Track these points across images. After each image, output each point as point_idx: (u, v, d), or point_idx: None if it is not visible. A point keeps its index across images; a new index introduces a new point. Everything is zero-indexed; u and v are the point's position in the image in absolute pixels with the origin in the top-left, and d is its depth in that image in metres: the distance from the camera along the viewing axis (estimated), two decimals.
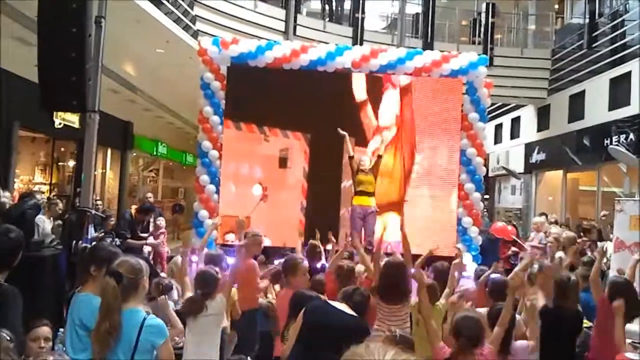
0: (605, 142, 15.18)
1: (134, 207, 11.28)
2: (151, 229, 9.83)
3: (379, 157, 9.40)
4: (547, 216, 12.89)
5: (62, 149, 15.51)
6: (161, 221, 9.98)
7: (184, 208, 20.30)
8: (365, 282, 5.70)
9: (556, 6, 21.48)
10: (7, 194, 9.28)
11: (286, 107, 10.09)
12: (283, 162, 10.19)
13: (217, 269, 5.02)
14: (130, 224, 9.20)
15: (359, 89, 10.31)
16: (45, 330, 3.87)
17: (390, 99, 10.12)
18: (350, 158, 9.42)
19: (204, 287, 4.69)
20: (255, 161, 10.15)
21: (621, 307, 4.65)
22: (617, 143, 14.50)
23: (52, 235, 8.11)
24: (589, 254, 8.71)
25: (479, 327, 3.79)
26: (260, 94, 9.96)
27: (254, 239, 6.34)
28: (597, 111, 16.06)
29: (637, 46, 14.68)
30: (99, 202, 12.24)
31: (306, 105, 10.02)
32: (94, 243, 5.30)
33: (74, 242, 5.88)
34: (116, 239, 8.28)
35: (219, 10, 14.61)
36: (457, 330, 3.77)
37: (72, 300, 3.81)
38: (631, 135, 14.11)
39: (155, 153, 20.97)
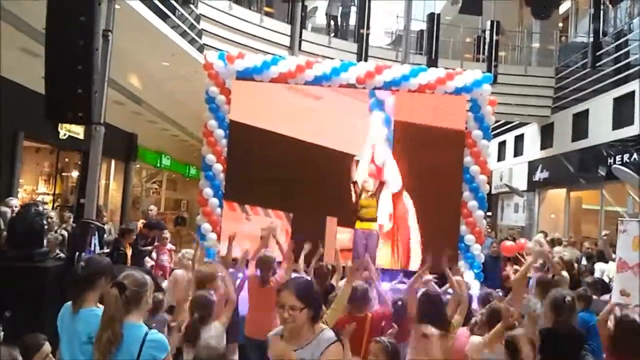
0: (609, 161, 15.20)
1: (141, 221, 11.27)
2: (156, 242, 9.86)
3: (382, 183, 9.41)
4: (546, 234, 12.89)
5: (66, 160, 15.58)
6: (166, 234, 10.01)
7: (187, 220, 20.33)
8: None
9: (560, 24, 21.55)
10: (14, 201, 9.32)
11: (268, 184, 9.85)
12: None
13: (212, 291, 4.96)
14: (138, 240, 9.25)
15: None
16: (47, 347, 3.84)
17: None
18: (354, 183, 9.43)
19: (199, 311, 4.64)
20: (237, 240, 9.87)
21: None
22: (620, 162, 14.51)
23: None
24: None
25: None
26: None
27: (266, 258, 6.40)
28: (601, 130, 16.09)
29: None
30: (104, 214, 12.27)
31: (289, 182, 9.79)
32: (89, 255, 5.28)
33: (77, 253, 5.91)
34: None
35: (225, 25, 14.71)
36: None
37: (68, 315, 3.78)
38: (635, 155, 14.12)
39: (158, 165, 21.04)
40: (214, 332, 4.59)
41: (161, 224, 10.47)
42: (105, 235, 10.01)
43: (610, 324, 4.89)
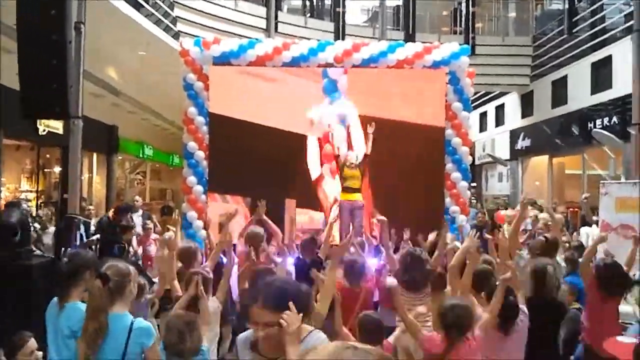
0: (589, 125, 15.35)
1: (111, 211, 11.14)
2: (139, 230, 9.80)
3: (366, 155, 9.39)
4: (535, 202, 12.99)
5: (48, 156, 15.46)
6: (150, 224, 9.94)
7: (173, 210, 20.24)
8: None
9: None
10: None
11: (227, 169, 9.82)
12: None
13: (207, 267, 4.97)
14: (110, 228, 9.13)
15: (314, 164, 9.98)
16: (32, 344, 3.84)
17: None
18: (336, 157, 9.45)
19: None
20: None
21: None
22: (600, 126, 14.65)
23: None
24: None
25: (470, 316, 3.83)
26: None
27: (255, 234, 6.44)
28: (580, 96, 16.21)
29: (617, 30, 14.81)
30: (91, 208, 12.17)
31: (247, 166, 9.73)
32: (73, 251, 5.27)
33: (63, 249, 5.90)
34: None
35: (200, 11, 14.60)
36: (445, 319, 3.81)
37: (54, 311, 3.80)
38: (614, 118, 14.25)
39: (141, 155, 20.91)
40: (212, 309, 4.56)
41: (129, 207, 10.37)
42: (92, 229, 9.95)
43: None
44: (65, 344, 3.65)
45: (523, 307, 4.32)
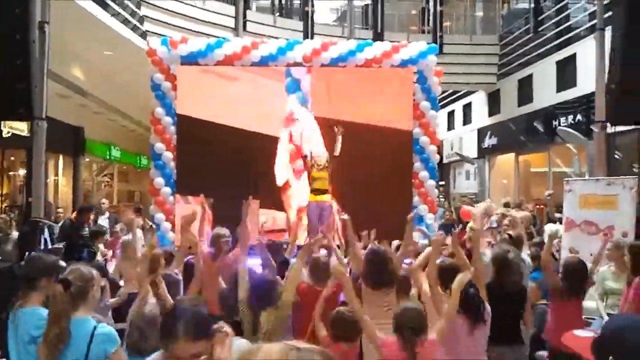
0: (554, 123, 15.58)
1: (72, 213, 10.96)
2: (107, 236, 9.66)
3: (335, 157, 9.39)
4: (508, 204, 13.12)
5: (12, 158, 15.22)
6: (117, 227, 9.77)
7: (142, 211, 20.06)
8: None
9: None
10: None
11: (194, 170, 9.75)
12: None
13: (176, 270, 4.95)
14: (73, 230, 8.99)
15: (281, 173, 9.99)
16: None
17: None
18: (304, 157, 9.45)
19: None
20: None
21: None
22: (565, 124, 14.89)
23: None
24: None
25: (422, 318, 3.84)
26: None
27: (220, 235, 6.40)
28: (545, 94, 16.45)
29: (582, 28, 15.07)
30: (60, 211, 11.95)
31: (212, 167, 9.70)
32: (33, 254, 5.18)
33: (27, 253, 5.80)
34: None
35: (167, 10, 14.48)
36: (399, 322, 3.81)
37: (13, 316, 3.74)
38: (579, 116, 14.48)
39: (108, 157, 20.67)
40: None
41: (91, 207, 10.23)
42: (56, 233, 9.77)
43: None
44: (26, 350, 3.58)
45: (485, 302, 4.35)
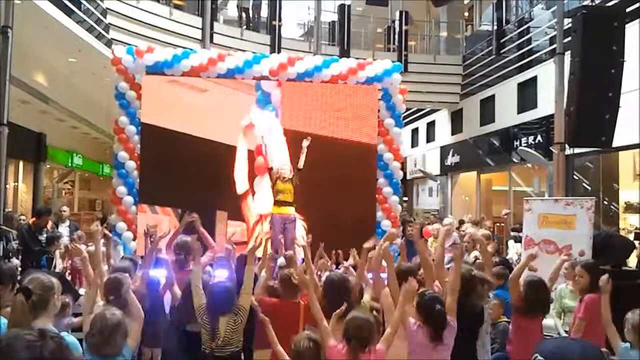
0: (515, 143, 15.88)
1: (30, 218, 10.74)
2: (66, 242, 9.52)
3: (299, 169, 9.41)
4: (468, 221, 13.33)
5: None
6: (78, 233, 9.64)
7: (103, 220, 19.79)
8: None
9: (466, 14, 22.27)
10: None
11: (158, 179, 9.68)
12: (150, 240, 9.44)
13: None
14: (31, 235, 8.83)
15: (241, 181, 9.93)
16: None
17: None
18: (269, 169, 9.46)
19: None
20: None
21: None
22: (526, 144, 15.19)
23: None
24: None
25: (369, 328, 3.88)
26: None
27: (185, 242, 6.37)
28: (507, 114, 16.76)
29: (543, 52, 15.43)
30: (23, 218, 11.72)
31: (178, 177, 9.66)
32: None
33: None
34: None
35: (134, 19, 14.40)
36: (347, 331, 3.82)
37: None
38: (539, 137, 14.79)
39: (70, 164, 20.38)
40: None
41: (49, 209, 10.07)
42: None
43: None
44: None
45: (451, 318, 4.39)
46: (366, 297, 5.23)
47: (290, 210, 9.33)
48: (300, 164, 9.34)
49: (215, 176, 9.77)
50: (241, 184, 9.94)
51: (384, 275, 4.97)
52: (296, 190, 9.36)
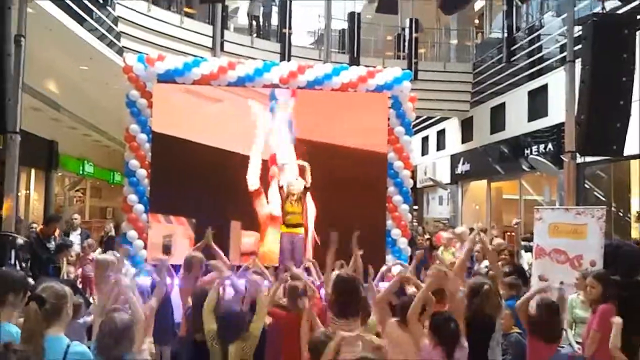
0: (526, 152, 15.81)
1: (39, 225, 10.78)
2: (77, 248, 9.55)
3: (306, 188, 9.46)
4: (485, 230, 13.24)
5: None
6: (89, 241, 9.68)
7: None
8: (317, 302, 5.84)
9: (476, 21, 22.26)
10: None
11: (170, 189, 9.73)
12: (167, 250, 9.41)
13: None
14: (39, 243, 8.85)
15: (253, 177, 9.91)
16: None
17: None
18: (280, 187, 9.50)
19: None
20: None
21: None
22: (537, 153, 15.12)
23: None
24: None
25: None
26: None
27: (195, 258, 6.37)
28: (517, 122, 16.71)
29: (553, 59, 15.38)
30: (34, 226, 11.80)
31: (192, 188, 9.66)
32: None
33: None
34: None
35: (145, 27, 14.48)
36: None
37: None
38: (549, 145, 14.73)
39: (81, 172, 20.49)
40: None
41: (58, 216, 10.09)
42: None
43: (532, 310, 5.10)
44: None
45: (463, 339, 4.35)
46: (373, 318, 5.18)
47: (300, 231, 9.38)
48: (307, 183, 9.40)
49: (228, 186, 9.76)
50: (253, 181, 9.91)
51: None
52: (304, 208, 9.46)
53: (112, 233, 11.99)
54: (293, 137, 10.04)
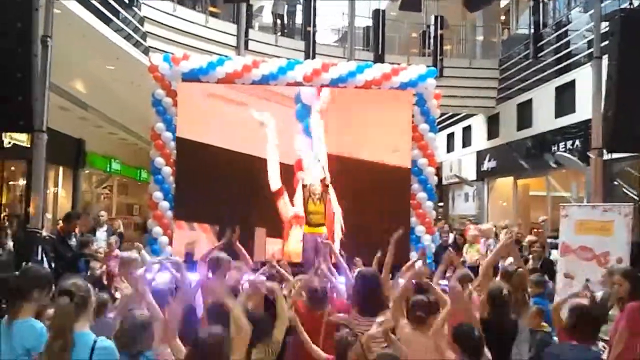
0: (553, 148, 15.64)
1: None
2: (102, 245, 9.63)
3: (326, 186, 9.49)
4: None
5: (12, 169, 15.26)
6: (112, 239, 9.70)
7: (139, 225, 20.05)
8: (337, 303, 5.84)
9: (502, 17, 22.04)
10: None
11: (195, 195, 9.72)
12: (189, 258, 9.50)
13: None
14: (60, 241, 8.92)
15: (274, 177, 9.88)
16: None
17: None
18: (304, 187, 9.53)
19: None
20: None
21: None
22: (564, 149, 14.95)
23: None
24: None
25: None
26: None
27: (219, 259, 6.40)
28: (544, 119, 16.53)
29: (581, 55, 15.18)
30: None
31: (215, 193, 9.65)
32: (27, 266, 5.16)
33: (24, 264, 5.82)
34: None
35: (170, 26, 14.61)
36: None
37: (5, 328, 3.71)
38: (577, 142, 14.55)
39: (108, 170, 20.73)
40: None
41: (78, 213, 10.19)
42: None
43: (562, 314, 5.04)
44: None
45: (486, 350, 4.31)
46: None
47: (323, 230, 9.44)
48: (327, 181, 9.43)
49: (253, 192, 9.76)
50: (275, 180, 9.90)
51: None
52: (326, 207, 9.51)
53: (121, 229, 12.15)
54: (318, 139, 10.05)
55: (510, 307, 5.03)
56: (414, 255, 9.69)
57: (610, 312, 6.06)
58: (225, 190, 9.67)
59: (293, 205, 9.82)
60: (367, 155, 9.97)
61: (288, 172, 9.91)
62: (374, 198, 9.76)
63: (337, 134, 10.03)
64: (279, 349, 4.82)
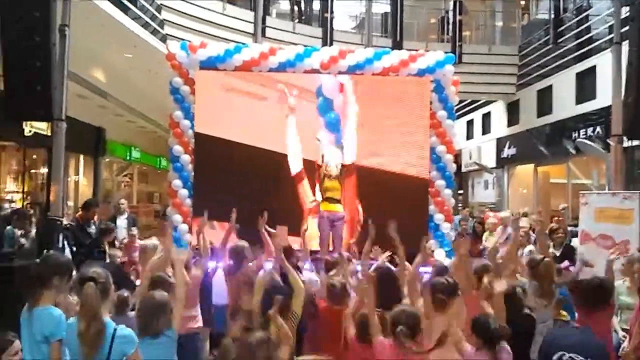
0: (574, 135, 15.48)
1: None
2: (124, 235, 9.70)
3: (344, 165, 9.45)
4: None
5: (34, 157, 15.41)
6: (134, 231, 9.72)
7: (160, 213, 20.18)
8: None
9: (522, 2, 21.79)
10: None
11: (211, 192, 9.53)
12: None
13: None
14: (80, 228, 8.98)
15: (295, 160, 9.78)
16: (17, 344, 3.83)
17: None
18: (318, 166, 9.49)
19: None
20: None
21: None
22: (584, 136, 14.79)
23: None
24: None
25: (416, 320, 3.91)
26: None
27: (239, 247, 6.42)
28: (565, 105, 16.37)
29: (602, 40, 14.98)
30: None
31: (235, 190, 9.42)
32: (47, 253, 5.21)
33: (45, 251, 5.89)
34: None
35: (187, 14, 14.64)
36: (393, 324, 3.89)
37: (26, 315, 3.78)
38: (598, 128, 14.39)
39: (128, 158, 20.88)
40: None
41: (96, 201, 10.23)
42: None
43: None
44: (39, 349, 3.64)
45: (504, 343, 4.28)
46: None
47: (339, 208, 9.38)
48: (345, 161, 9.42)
49: (275, 188, 9.67)
50: (295, 164, 9.83)
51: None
52: (343, 187, 9.41)
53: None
54: (340, 135, 9.98)
55: (524, 303, 5.00)
56: (432, 243, 9.68)
57: (630, 301, 6.02)
58: (246, 186, 9.54)
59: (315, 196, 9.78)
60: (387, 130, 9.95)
61: (311, 169, 9.78)
62: (392, 191, 9.72)
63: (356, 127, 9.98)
64: (297, 321, 4.88)
